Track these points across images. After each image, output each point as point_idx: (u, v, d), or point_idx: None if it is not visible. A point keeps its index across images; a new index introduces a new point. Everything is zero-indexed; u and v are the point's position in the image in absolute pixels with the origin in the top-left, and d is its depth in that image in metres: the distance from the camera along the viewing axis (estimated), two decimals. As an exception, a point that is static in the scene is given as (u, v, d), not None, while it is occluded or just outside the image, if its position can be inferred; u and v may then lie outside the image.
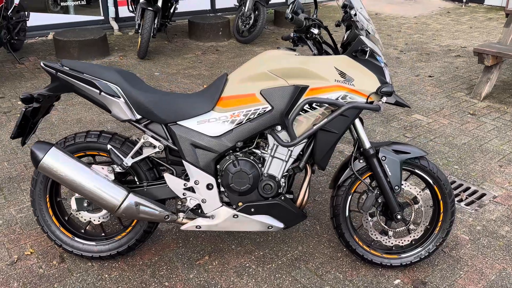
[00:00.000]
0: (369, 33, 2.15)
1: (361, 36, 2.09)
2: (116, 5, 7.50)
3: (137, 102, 2.13)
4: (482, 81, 4.76)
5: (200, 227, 2.27)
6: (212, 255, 2.50)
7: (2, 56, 5.95)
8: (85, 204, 2.30)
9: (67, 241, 2.38)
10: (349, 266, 2.44)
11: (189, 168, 2.18)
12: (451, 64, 5.98)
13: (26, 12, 5.88)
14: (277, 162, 2.20)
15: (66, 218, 2.44)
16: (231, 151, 2.20)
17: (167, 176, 2.22)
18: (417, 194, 2.33)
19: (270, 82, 2.09)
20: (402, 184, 2.30)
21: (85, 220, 2.33)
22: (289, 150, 2.19)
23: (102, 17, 7.50)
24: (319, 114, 2.11)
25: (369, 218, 2.35)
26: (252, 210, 2.23)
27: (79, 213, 2.33)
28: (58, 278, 2.32)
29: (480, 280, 2.35)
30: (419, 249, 2.39)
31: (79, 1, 7.33)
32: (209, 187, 2.21)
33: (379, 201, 2.31)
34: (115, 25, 7.41)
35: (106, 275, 2.34)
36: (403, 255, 2.39)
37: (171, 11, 6.49)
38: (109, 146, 2.21)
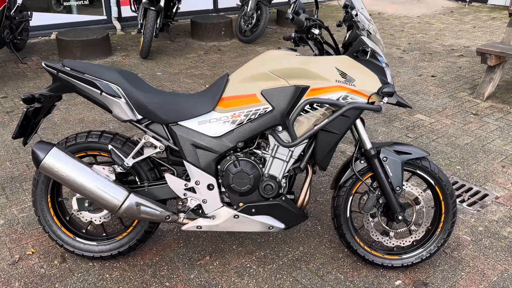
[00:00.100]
0: (371, 34, 2.14)
1: (362, 37, 2.08)
2: (118, 5, 7.52)
3: (138, 102, 2.14)
4: (485, 81, 4.74)
5: (201, 228, 2.27)
6: (213, 255, 2.50)
7: (5, 56, 5.97)
8: (86, 204, 2.30)
9: (69, 241, 2.39)
10: (350, 267, 2.43)
11: (190, 168, 2.18)
12: (454, 64, 5.96)
13: (29, 12, 5.89)
14: (278, 162, 2.20)
15: (68, 218, 2.44)
16: (232, 152, 2.20)
17: (168, 176, 2.22)
18: (419, 194, 2.32)
19: (271, 83, 2.09)
20: (404, 185, 2.29)
21: (86, 220, 2.34)
22: (290, 150, 2.19)
23: (104, 17, 7.51)
24: (320, 115, 2.11)
25: (370, 219, 2.35)
26: (253, 210, 2.23)
27: (80, 213, 2.33)
28: (59, 278, 2.33)
29: (482, 281, 2.34)
30: (421, 250, 2.38)
31: (82, 1, 7.34)
32: (210, 187, 2.20)
33: (380, 201, 2.31)
34: (117, 25, 7.43)
35: (107, 275, 2.35)
36: (404, 256, 2.38)
37: (174, 10, 6.49)
38: (110, 147, 2.22)
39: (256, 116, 2.11)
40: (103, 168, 2.23)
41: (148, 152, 2.22)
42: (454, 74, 5.57)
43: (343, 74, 2.08)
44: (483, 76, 4.80)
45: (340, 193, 2.32)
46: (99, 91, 2.12)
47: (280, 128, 2.13)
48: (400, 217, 2.27)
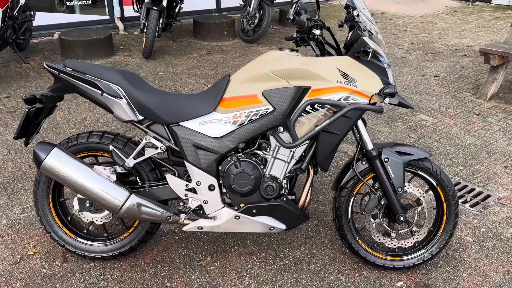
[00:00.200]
0: (372, 34, 2.13)
1: (363, 37, 2.08)
2: (121, 5, 7.52)
3: (139, 103, 2.13)
4: (488, 81, 4.72)
5: (202, 228, 2.26)
6: (214, 256, 2.50)
7: (8, 55, 5.99)
8: (88, 205, 2.31)
9: (70, 241, 2.39)
10: (351, 268, 2.43)
11: (191, 169, 2.18)
12: (457, 64, 5.94)
13: (32, 12, 5.90)
14: (279, 163, 2.20)
15: (69, 218, 2.45)
16: (233, 152, 2.20)
17: (169, 177, 2.22)
18: (420, 196, 2.31)
19: (272, 83, 2.09)
20: (405, 186, 2.28)
21: (87, 220, 2.34)
22: (291, 151, 2.18)
23: (107, 17, 7.52)
24: (321, 115, 2.10)
25: (372, 220, 2.34)
26: (254, 211, 2.22)
27: (82, 214, 2.33)
28: (61, 278, 2.33)
29: (484, 283, 2.33)
30: (422, 251, 2.37)
31: (85, 1, 7.35)
32: (211, 188, 2.20)
33: (382, 202, 2.30)
34: (120, 25, 7.43)
35: (108, 276, 2.35)
36: (406, 257, 2.37)
37: (176, 10, 6.49)
38: (111, 147, 2.22)
39: (257, 117, 2.10)
40: (104, 169, 2.23)
41: (149, 153, 2.22)
42: (457, 74, 5.55)
43: (345, 75, 2.07)
44: (486, 76, 4.78)
45: (341, 194, 2.32)
46: (100, 92, 2.12)
47: (281, 128, 2.13)
48: (401, 218, 2.27)
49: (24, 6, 5.72)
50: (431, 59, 6.16)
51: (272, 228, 2.26)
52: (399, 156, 2.22)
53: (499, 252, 2.55)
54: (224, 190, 2.24)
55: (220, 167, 2.21)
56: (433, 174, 2.26)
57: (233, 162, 2.16)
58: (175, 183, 2.22)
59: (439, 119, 4.29)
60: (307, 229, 2.72)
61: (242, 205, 2.23)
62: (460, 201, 3.02)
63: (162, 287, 2.28)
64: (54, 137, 3.84)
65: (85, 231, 2.45)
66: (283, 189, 2.24)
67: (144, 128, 2.19)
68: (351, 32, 2.24)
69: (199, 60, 6.08)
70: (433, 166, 2.26)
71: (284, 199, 2.23)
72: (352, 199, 2.33)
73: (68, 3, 7.22)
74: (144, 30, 5.90)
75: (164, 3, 5.93)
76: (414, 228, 2.36)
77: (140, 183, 2.31)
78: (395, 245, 2.37)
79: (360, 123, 2.22)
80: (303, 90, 2.06)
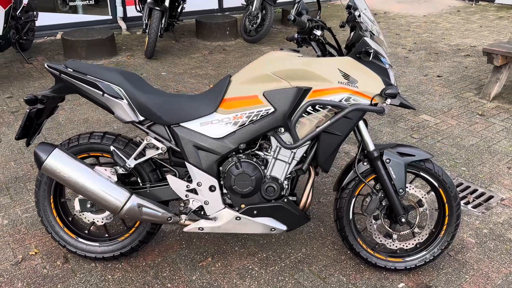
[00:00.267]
0: (374, 34, 2.13)
1: (365, 38, 2.07)
2: (124, 5, 7.53)
3: (140, 104, 2.13)
4: (491, 81, 4.70)
5: (202, 229, 2.26)
6: (215, 256, 2.50)
7: (11, 56, 6.00)
8: (89, 205, 2.31)
9: (71, 241, 2.39)
10: (353, 269, 2.42)
11: (192, 170, 2.17)
12: (460, 64, 5.92)
13: (35, 12, 5.92)
14: (280, 164, 2.19)
15: (70, 218, 2.45)
16: (234, 153, 2.19)
17: (169, 177, 2.22)
18: (422, 197, 2.30)
19: (273, 84, 2.08)
20: (407, 187, 2.27)
21: (88, 221, 2.34)
22: (292, 152, 2.18)
23: (110, 17, 7.53)
24: (322, 116, 2.10)
25: (373, 221, 2.33)
26: (255, 212, 2.22)
27: (83, 214, 2.33)
28: (62, 278, 2.33)
29: (486, 285, 2.31)
30: (424, 252, 2.36)
31: (88, 1, 7.36)
32: (211, 189, 2.20)
33: (383, 204, 2.29)
34: (123, 25, 7.44)
35: (109, 276, 2.35)
36: (407, 259, 2.37)
37: (179, 10, 6.49)
38: (112, 148, 2.22)
39: (258, 118, 2.10)
40: (105, 169, 2.23)
41: (150, 153, 2.22)
42: (460, 74, 5.52)
43: (346, 76, 2.07)
44: (489, 76, 4.76)
45: (342, 195, 2.31)
46: (101, 92, 2.12)
47: (282, 129, 2.12)
48: (403, 220, 2.26)
49: (27, 6, 5.73)
50: (434, 59, 6.14)
51: (273, 229, 2.26)
52: (401, 157, 2.21)
53: (502, 253, 2.54)
54: (225, 191, 2.24)
55: (221, 168, 2.21)
56: (435, 175, 2.25)
57: (234, 163, 2.16)
58: (176, 184, 2.22)
59: (441, 119, 4.27)
60: (308, 230, 2.71)
61: (243, 206, 2.22)
62: (462, 202, 3.00)
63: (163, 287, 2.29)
64: (56, 137, 3.84)
65: (86, 231, 2.45)
66: (284, 190, 2.24)
67: (145, 129, 2.19)
68: (352, 33, 2.23)
69: (201, 60, 6.08)
70: (435, 167, 2.25)
71: (285, 200, 2.22)
72: (354, 200, 2.32)
73: (71, 3, 7.23)
74: (147, 30, 5.90)
75: (167, 3, 5.93)
76: (416, 230, 2.35)
77: (141, 184, 2.31)
78: (396, 246, 2.36)
79: (361, 124, 2.21)
80: (304, 91, 2.06)
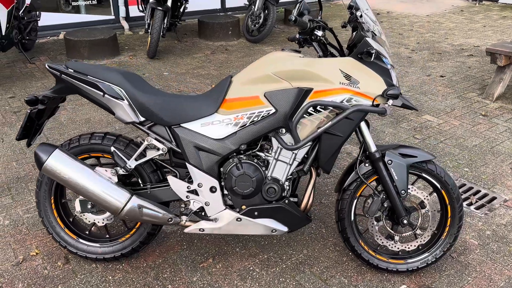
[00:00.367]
0: (376, 35, 2.11)
1: (366, 38, 2.05)
2: (126, 5, 7.53)
3: (141, 104, 2.13)
4: (495, 81, 4.68)
5: (203, 230, 2.25)
6: (216, 257, 2.49)
7: (14, 56, 6.01)
8: (89, 206, 2.30)
9: (72, 242, 2.39)
10: (354, 270, 2.41)
11: (193, 170, 2.17)
12: (463, 64, 5.89)
13: (37, 12, 5.92)
14: (281, 165, 2.18)
15: (71, 219, 2.45)
16: (235, 154, 2.19)
17: (170, 178, 2.21)
18: (424, 198, 2.29)
19: (274, 85, 2.07)
20: (409, 188, 2.26)
21: (89, 222, 2.34)
22: (293, 153, 2.16)
23: (112, 17, 7.53)
24: (324, 117, 2.08)
25: (375, 223, 2.32)
26: (256, 213, 2.21)
27: (83, 215, 2.33)
28: (62, 279, 2.33)
29: (489, 287, 2.30)
30: (426, 254, 2.35)
31: (90, 1, 7.37)
32: (212, 190, 2.19)
33: (385, 205, 2.28)
34: (125, 25, 7.44)
35: (110, 277, 2.34)
36: (409, 260, 2.35)
37: (181, 10, 6.49)
38: (112, 149, 2.21)
39: (259, 119, 2.09)
40: (106, 170, 2.23)
41: (150, 154, 2.21)
42: (463, 74, 5.50)
43: (347, 76, 2.05)
44: (492, 77, 4.73)
45: (344, 196, 2.30)
46: (101, 93, 2.12)
47: (283, 130, 2.11)
48: (405, 221, 2.24)
49: (29, 6, 5.74)
50: (437, 59, 6.12)
51: (274, 231, 2.25)
52: (403, 158, 2.20)
53: (505, 255, 2.52)
54: (225, 192, 2.23)
55: (221, 169, 2.20)
56: (437, 177, 2.24)
57: (234, 164, 2.15)
58: (177, 185, 2.21)
59: (444, 120, 4.25)
60: (310, 231, 2.70)
61: (243, 207, 2.21)
62: (465, 203, 2.98)
63: (163, 289, 2.28)
64: (58, 137, 3.84)
65: (87, 232, 2.45)
66: (285, 191, 2.23)
67: (146, 130, 2.18)
68: (354, 33, 2.22)
69: (203, 60, 6.07)
70: (437, 168, 2.24)
71: (286, 201, 2.21)
72: (355, 201, 2.31)
73: (73, 3, 7.24)
74: (149, 30, 5.90)
75: (169, 3, 5.93)
76: (418, 231, 2.34)
77: (141, 185, 2.31)
78: (398, 248, 2.35)
79: (363, 124, 2.20)
80: (305, 92, 2.04)
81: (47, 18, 6.81)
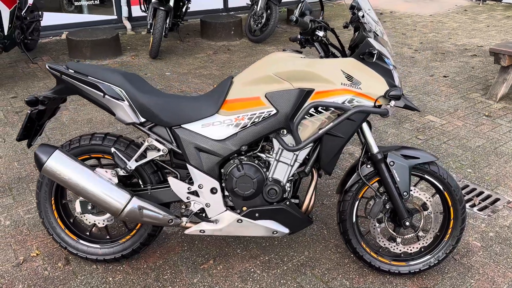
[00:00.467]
0: (378, 35, 2.09)
1: (368, 38, 2.04)
2: (129, 5, 7.53)
3: (141, 105, 2.12)
4: (498, 81, 4.65)
5: (204, 232, 2.24)
6: (217, 259, 2.47)
7: (16, 55, 6.02)
8: (90, 207, 2.30)
9: (72, 243, 2.38)
10: (356, 272, 2.39)
11: (193, 171, 2.16)
12: (466, 64, 5.86)
13: (40, 12, 5.93)
14: (282, 166, 2.16)
15: (71, 220, 2.44)
16: (235, 155, 2.17)
17: (171, 179, 2.20)
18: (427, 200, 2.27)
19: (275, 85, 2.06)
20: (411, 190, 2.24)
21: (89, 223, 2.33)
22: (294, 154, 2.15)
23: (115, 17, 7.53)
24: (325, 118, 2.07)
25: (377, 224, 2.30)
26: (257, 215, 2.20)
27: (84, 216, 2.32)
28: (63, 280, 2.32)
29: (492, 290, 2.28)
30: (428, 256, 2.33)
31: (93, 1, 7.37)
32: (213, 191, 2.18)
33: (387, 207, 2.26)
34: (128, 25, 7.44)
35: (110, 278, 2.33)
36: (411, 263, 2.33)
37: (183, 10, 6.48)
38: (112, 149, 2.20)
39: (260, 119, 2.07)
40: (106, 171, 2.22)
41: (151, 155, 2.20)
42: (466, 75, 5.47)
43: (349, 77, 2.04)
44: (496, 77, 4.70)
45: (346, 198, 2.28)
46: (101, 94, 2.11)
47: (284, 131, 2.10)
48: (407, 223, 2.22)
49: (32, 6, 5.74)
50: (440, 59, 6.09)
51: (275, 232, 2.23)
52: (405, 160, 2.18)
53: (508, 257, 2.49)
54: (226, 193, 2.21)
55: (222, 170, 2.18)
56: (439, 178, 2.22)
57: (235, 165, 2.14)
58: (177, 186, 2.20)
59: (447, 120, 4.22)
60: (312, 233, 2.69)
61: (244, 208, 2.20)
62: (468, 204, 2.96)
63: (164, 290, 2.27)
64: (60, 137, 3.84)
65: (88, 233, 2.44)
66: (286, 193, 2.21)
67: (146, 131, 2.17)
68: (356, 33, 2.20)
69: (205, 60, 6.06)
70: (439, 170, 2.22)
71: (287, 202, 2.20)
72: (357, 203, 2.29)
73: (76, 3, 7.24)
74: (151, 30, 5.89)
75: (171, 3, 5.92)
76: (420, 233, 2.32)
77: (142, 186, 2.30)
78: (400, 250, 2.33)
79: (365, 125, 2.18)
80: (307, 93, 2.03)
81: (49, 18, 6.82)
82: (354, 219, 2.30)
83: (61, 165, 2.11)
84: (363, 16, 2.06)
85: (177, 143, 2.15)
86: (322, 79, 2.03)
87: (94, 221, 2.33)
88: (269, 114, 2.06)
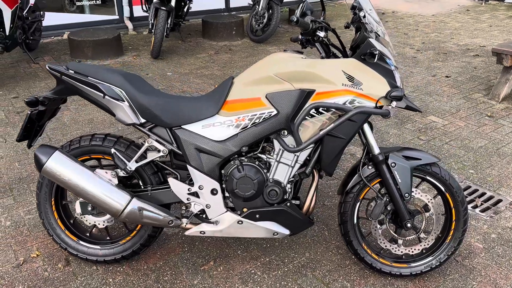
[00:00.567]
0: (379, 36, 2.08)
1: (370, 39, 2.02)
2: (130, 5, 7.52)
3: (142, 106, 2.11)
4: (501, 82, 4.62)
5: (204, 233, 2.23)
6: (217, 260, 2.46)
7: (18, 56, 6.02)
8: (90, 208, 2.29)
9: (72, 244, 2.38)
10: (357, 274, 2.38)
11: (194, 172, 2.15)
12: (469, 64, 5.83)
13: (41, 12, 5.93)
14: (283, 167, 2.15)
15: (72, 221, 2.43)
16: (236, 156, 2.16)
17: (171, 180, 2.19)
18: (428, 201, 2.25)
19: (276, 86, 2.05)
20: (413, 191, 2.22)
21: (90, 223, 2.32)
22: (295, 155, 2.14)
23: (117, 17, 7.53)
24: (326, 119, 2.05)
25: (378, 226, 2.29)
26: (257, 216, 2.18)
27: (84, 217, 2.32)
28: (63, 281, 2.31)
29: (494, 292, 2.26)
30: (430, 258, 2.31)
31: (94, 1, 7.37)
32: (213, 192, 2.17)
33: (389, 208, 2.25)
34: (129, 25, 7.44)
35: (111, 279, 2.33)
36: (413, 264, 2.32)
37: (185, 10, 6.47)
38: (112, 150, 2.20)
39: (260, 120, 2.06)
40: (106, 172, 2.21)
41: (151, 156, 2.19)
42: (469, 75, 5.44)
43: (350, 78, 2.02)
44: (498, 77, 4.68)
45: (347, 199, 2.27)
46: (101, 94, 2.10)
47: (285, 132, 2.09)
48: (409, 225, 2.21)
49: (33, 6, 5.74)
50: (442, 59, 6.06)
51: (275, 234, 2.22)
52: (407, 161, 2.17)
53: (510, 259, 2.48)
54: (227, 194, 2.20)
55: (223, 171, 2.17)
56: (441, 180, 2.20)
57: (236, 166, 2.13)
58: (177, 187, 2.19)
59: (449, 120, 4.20)
60: (313, 234, 2.67)
61: (245, 209, 2.19)
62: (470, 205, 2.95)
63: (164, 292, 2.26)
64: (61, 137, 3.84)
65: (88, 234, 2.43)
66: (287, 194, 2.20)
67: (147, 131, 2.16)
68: (357, 34, 2.19)
69: (207, 60, 6.05)
70: (441, 171, 2.20)
71: (288, 204, 2.19)
72: (358, 204, 2.28)
73: (78, 3, 7.24)
74: (153, 30, 5.89)
75: (173, 3, 5.91)
76: (422, 235, 2.30)
77: (142, 187, 2.29)
78: (402, 251, 2.31)
79: (366, 126, 2.17)
80: (308, 93, 2.02)
81: (51, 18, 6.82)
82: (355, 221, 2.29)
83: (60, 166, 2.11)
84: (364, 17, 2.05)
85: (178, 144, 2.14)
86: (323, 79, 2.01)
87: (94, 222, 2.32)
88: (270, 115, 2.05)
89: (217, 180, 2.15)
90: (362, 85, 2.03)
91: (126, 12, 7.52)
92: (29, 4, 5.60)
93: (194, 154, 2.12)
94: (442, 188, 2.23)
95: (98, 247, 2.38)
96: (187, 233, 2.24)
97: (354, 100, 2.03)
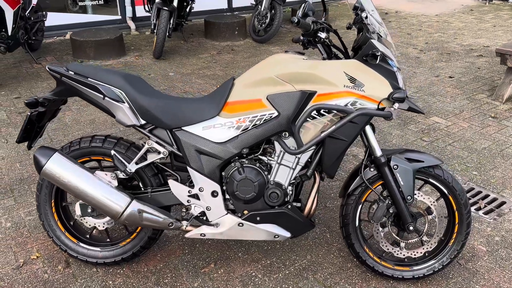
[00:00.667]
0: (381, 37, 2.06)
1: (372, 40, 2.00)
2: (133, 5, 7.52)
3: (142, 107, 2.09)
4: (505, 82, 4.59)
5: (204, 235, 2.21)
6: (218, 262, 2.45)
7: (20, 56, 6.02)
8: (90, 210, 2.28)
9: (72, 246, 2.36)
10: (359, 277, 2.35)
11: (194, 174, 2.13)
12: (472, 65, 5.80)
13: (44, 12, 5.92)
14: (284, 169, 2.13)
15: (72, 223, 2.42)
16: (236, 158, 2.14)
17: (171, 182, 2.18)
18: (431, 204, 2.23)
19: (277, 87, 2.03)
20: (415, 194, 2.20)
21: (89, 225, 2.31)
22: (296, 157, 2.12)
23: (119, 17, 7.53)
24: (327, 121, 2.03)
25: (380, 229, 2.27)
26: (258, 218, 2.17)
27: (84, 219, 2.30)
28: (63, 283, 2.30)
29: (497, 296, 2.24)
30: (433, 261, 2.29)
31: (97, 1, 7.37)
32: (214, 194, 2.15)
33: (391, 211, 2.22)
34: (132, 25, 7.43)
35: (110, 282, 2.31)
36: (415, 268, 2.29)
37: (187, 10, 6.46)
38: (112, 152, 2.18)
39: (261, 122, 2.04)
40: (106, 174, 2.19)
41: (151, 158, 2.18)
42: (472, 75, 5.41)
43: (352, 79, 2.00)
44: (502, 78, 4.65)
45: (348, 202, 2.25)
46: (101, 96, 2.09)
47: (286, 134, 2.07)
48: (411, 228, 2.19)
49: (36, 6, 5.74)
50: (445, 59, 6.03)
51: (276, 236, 2.20)
52: (409, 163, 2.14)
53: (514, 262, 2.45)
54: (227, 196, 2.19)
55: (223, 173, 2.16)
56: (444, 182, 2.18)
57: (236, 168, 2.11)
58: (178, 189, 2.18)
59: (453, 121, 4.17)
60: (314, 236, 2.65)
61: (245, 212, 2.17)
62: (473, 208, 2.92)
63: (164, 294, 2.24)
64: (63, 138, 3.83)
65: (88, 236, 2.42)
66: (288, 196, 2.18)
67: (147, 133, 2.15)
68: (359, 34, 2.16)
69: (209, 60, 6.04)
70: (444, 174, 2.18)
71: (289, 206, 2.17)
72: (360, 207, 2.26)
73: (80, 3, 7.24)
74: (155, 30, 5.88)
75: (175, 3, 5.90)
76: (424, 238, 2.28)
77: (142, 189, 2.27)
78: (404, 255, 2.29)
79: (368, 128, 2.15)
80: (309, 95, 2.00)
81: (53, 18, 6.82)
82: (357, 223, 2.27)
83: (60, 167, 2.10)
84: (366, 17, 2.03)
85: (178, 146, 2.13)
86: (325, 81, 1.99)
87: (94, 224, 2.31)
88: (271, 116, 2.03)
89: (218, 182, 2.14)
90: (364, 87, 2.00)
91: (129, 12, 7.51)
92: (32, 4, 5.60)
93: (195, 156, 2.11)
94: (445, 191, 2.20)
95: (98, 249, 2.37)
96: (187, 235, 2.23)
97: (356, 102, 2.00)
